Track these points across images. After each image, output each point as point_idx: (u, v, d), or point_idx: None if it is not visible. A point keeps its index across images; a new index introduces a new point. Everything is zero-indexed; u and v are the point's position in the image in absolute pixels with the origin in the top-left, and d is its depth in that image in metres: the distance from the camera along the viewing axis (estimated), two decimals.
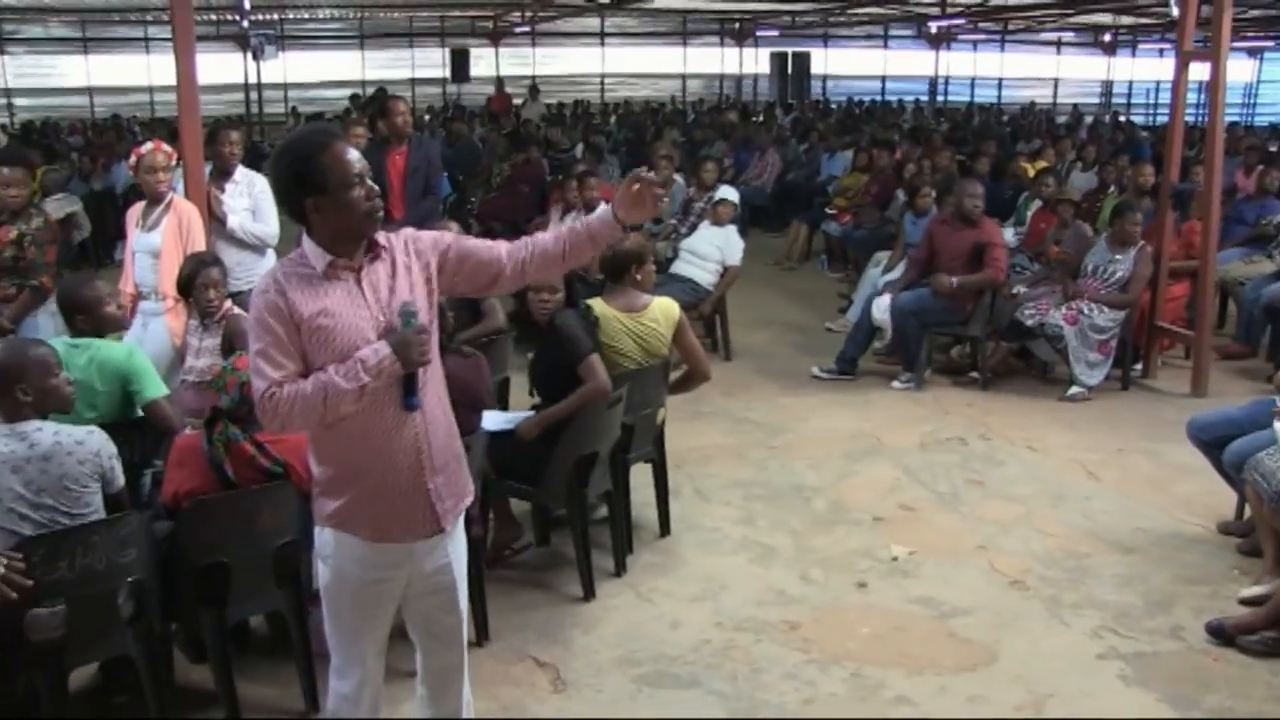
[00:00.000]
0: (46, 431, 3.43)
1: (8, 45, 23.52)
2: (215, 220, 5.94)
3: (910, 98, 26.82)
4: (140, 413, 4.30)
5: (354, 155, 2.69)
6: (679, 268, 8.20)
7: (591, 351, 4.61)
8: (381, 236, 2.76)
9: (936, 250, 7.56)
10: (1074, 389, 7.21)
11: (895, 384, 7.47)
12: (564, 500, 4.66)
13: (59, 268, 5.74)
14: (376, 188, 2.73)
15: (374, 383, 2.62)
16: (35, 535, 3.28)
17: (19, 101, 23.58)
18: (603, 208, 2.90)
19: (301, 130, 2.85)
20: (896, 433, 6.61)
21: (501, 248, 2.88)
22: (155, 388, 4.31)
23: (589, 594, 4.60)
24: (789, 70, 25.27)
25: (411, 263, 2.78)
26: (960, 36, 26.11)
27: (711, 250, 8.14)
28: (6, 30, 23.33)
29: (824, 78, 28.72)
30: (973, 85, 29.76)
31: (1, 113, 22.94)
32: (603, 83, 27.66)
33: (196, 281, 4.88)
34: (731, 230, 8.27)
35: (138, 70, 23.56)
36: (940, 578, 4.79)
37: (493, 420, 4.57)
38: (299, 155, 2.67)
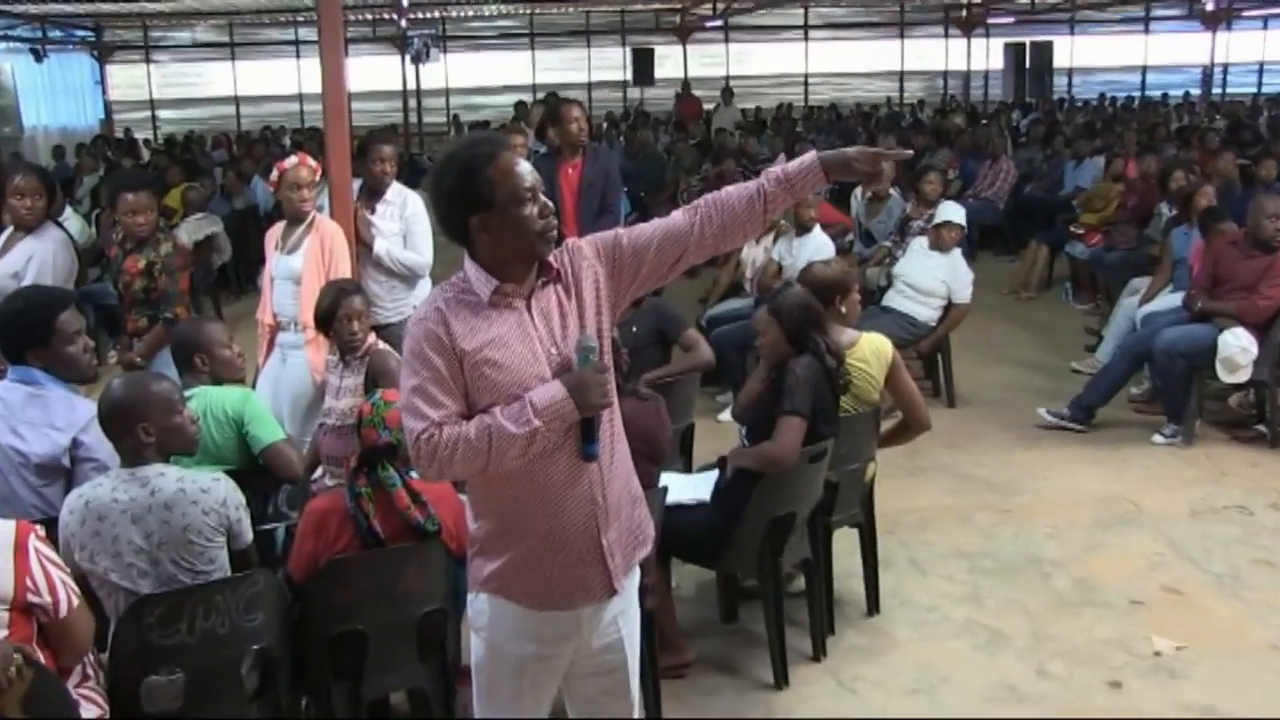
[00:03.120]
0: (170, 477, 3.54)
1: (154, 54, 25.16)
2: (362, 244, 6.16)
3: (1178, 91, 25.97)
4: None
5: (525, 167, 2.72)
6: (893, 300, 8.10)
7: (795, 412, 4.48)
8: (554, 257, 2.78)
9: (1221, 278, 7.26)
10: None
11: (1157, 437, 7.23)
12: (754, 569, 4.62)
13: (197, 294, 6.01)
14: (550, 204, 2.75)
15: (546, 428, 2.63)
16: (150, 594, 3.38)
17: (164, 114, 25.18)
18: (809, 154, 2.85)
19: (465, 139, 2.90)
20: (1159, 497, 6.39)
21: (675, 214, 2.86)
22: (271, 431, 4.47)
23: (781, 681, 4.55)
24: (1027, 64, 24.73)
25: (583, 282, 2.79)
26: (1245, 13, 24.93)
27: (932, 283, 7.99)
28: (153, 38, 24.96)
29: (1069, 71, 28.09)
30: (1261, 72, 28.53)
31: (146, 126, 24.51)
32: (806, 83, 27.71)
33: (338, 313, 5.01)
34: (958, 259, 8.10)
35: (287, 77, 24.83)
36: (1218, 680, 4.56)
37: (678, 488, 4.56)
38: (462, 167, 2.70)
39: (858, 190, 10.83)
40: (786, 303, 4.65)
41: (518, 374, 2.67)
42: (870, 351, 5.00)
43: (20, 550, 3.05)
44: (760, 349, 4.78)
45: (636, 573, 3.00)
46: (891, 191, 10.13)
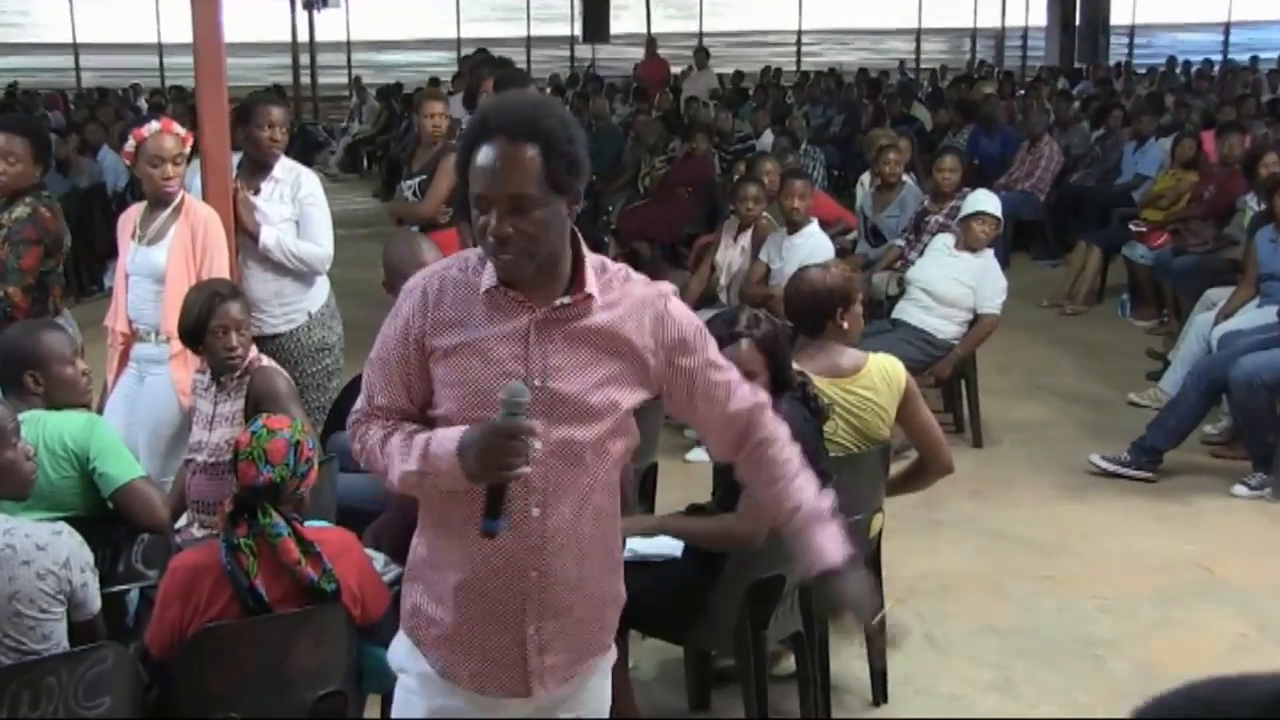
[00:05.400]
0: None
1: None
2: (245, 234, 6.15)
3: (1270, 54, 25.84)
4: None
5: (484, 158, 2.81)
6: (906, 311, 8.15)
7: None
8: (599, 281, 2.86)
9: None
10: None
11: (1239, 489, 7.29)
12: (732, 645, 4.64)
13: (47, 289, 5.89)
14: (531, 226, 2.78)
15: (431, 478, 2.82)
16: None
17: None
18: (831, 541, 3.09)
19: None
20: (1241, 563, 6.45)
21: (741, 409, 3.06)
22: (125, 468, 4.46)
23: None
24: (1076, 20, 25.05)
25: (624, 335, 2.86)
26: None
27: (956, 289, 8.04)
28: None
29: (1130, 29, 28.43)
30: None
31: None
32: (799, 42, 27.88)
33: (210, 322, 4.97)
34: (989, 261, 8.16)
35: (143, 22, 24.62)
36: None
37: (642, 540, 4.58)
38: None
39: (864, 177, 10.93)
40: (773, 332, 4.60)
41: (479, 394, 2.79)
42: (879, 376, 5.02)
43: None
44: None
45: (594, 684, 3.09)
46: (905, 179, 10.21)
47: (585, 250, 2.87)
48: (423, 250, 5.21)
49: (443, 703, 2.98)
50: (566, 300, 2.81)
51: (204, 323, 4.95)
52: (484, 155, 2.74)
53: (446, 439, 2.76)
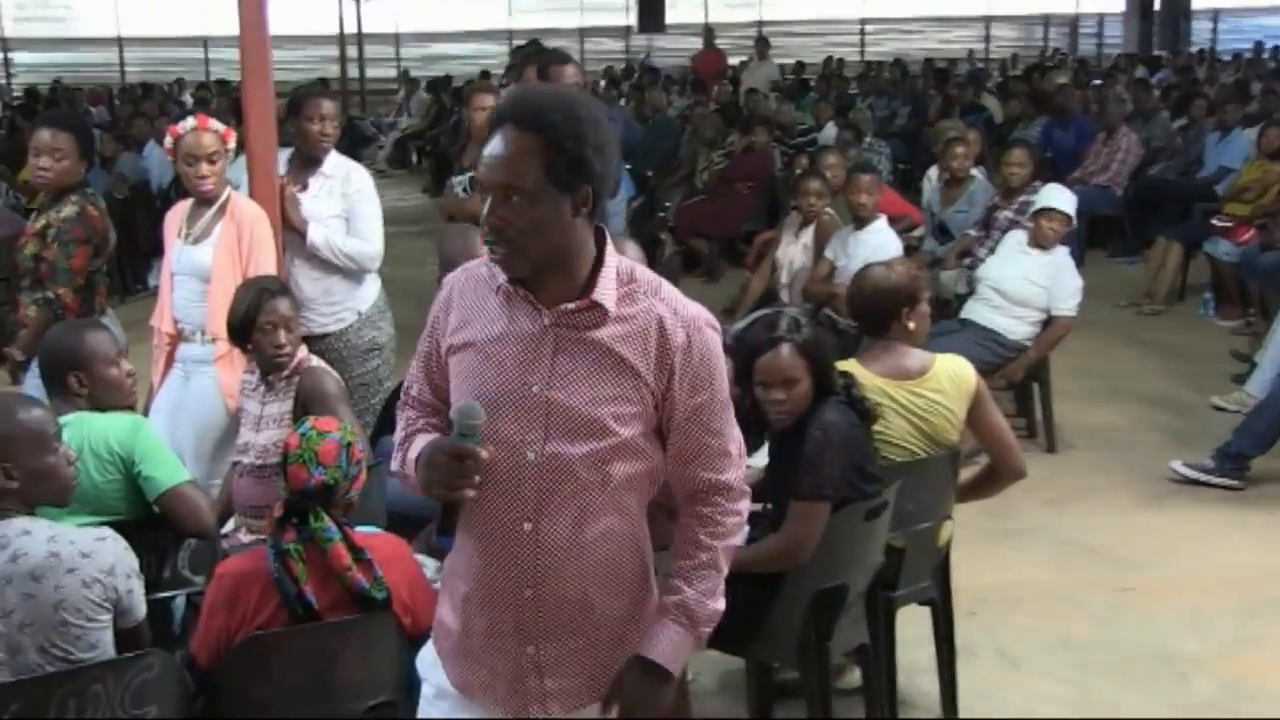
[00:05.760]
0: (38, 536, 3.52)
1: None
2: (291, 231, 6.19)
3: None
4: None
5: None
6: (975, 311, 8.13)
7: (820, 495, 4.44)
8: (620, 291, 2.83)
9: None
10: None
11: None
12: (795, 658, 4.63)
13: (93, 289, 5.97)
14: (506, 214, 2.77)
15: (410, 482, 2.95)
16: (5, 683, 3.36)
17: (20, 57, 25.08)
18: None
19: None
20: None
21: (712, 475, 2.97)
22: (171, 472, 4.48)
23: None
24: (1156, 4, 24.88)
25: (627, 356, 2.82)
26: None
27: (1028, 288, 8.02)
28: None
29: (1214, 13, 28.17)
30: None
31: None
32: (863, 31, 27.80)
33: (258, 319, 5.01)
34: (1062, 259, 8.12)
35: (186, 15, 24.81)
36: None
37: None
38: None
39: (931, 171, 10.90)
40: (815, 335, 4.58)
41: (485, 391, 2.81)
42: (947, 378, 4.99)
43: None
44: (778, 409, 4.53)
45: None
46: (974, 173, 10.16)
47: (611, 256, 2.84)
48: (477, 244, 5.23)
49: (458, 717, 3.02)
50: (572, 306, 2.80)
51: (252, 319, 4.99)
52: (490, 142, 2.76)
53: (421, 446, 2.85)
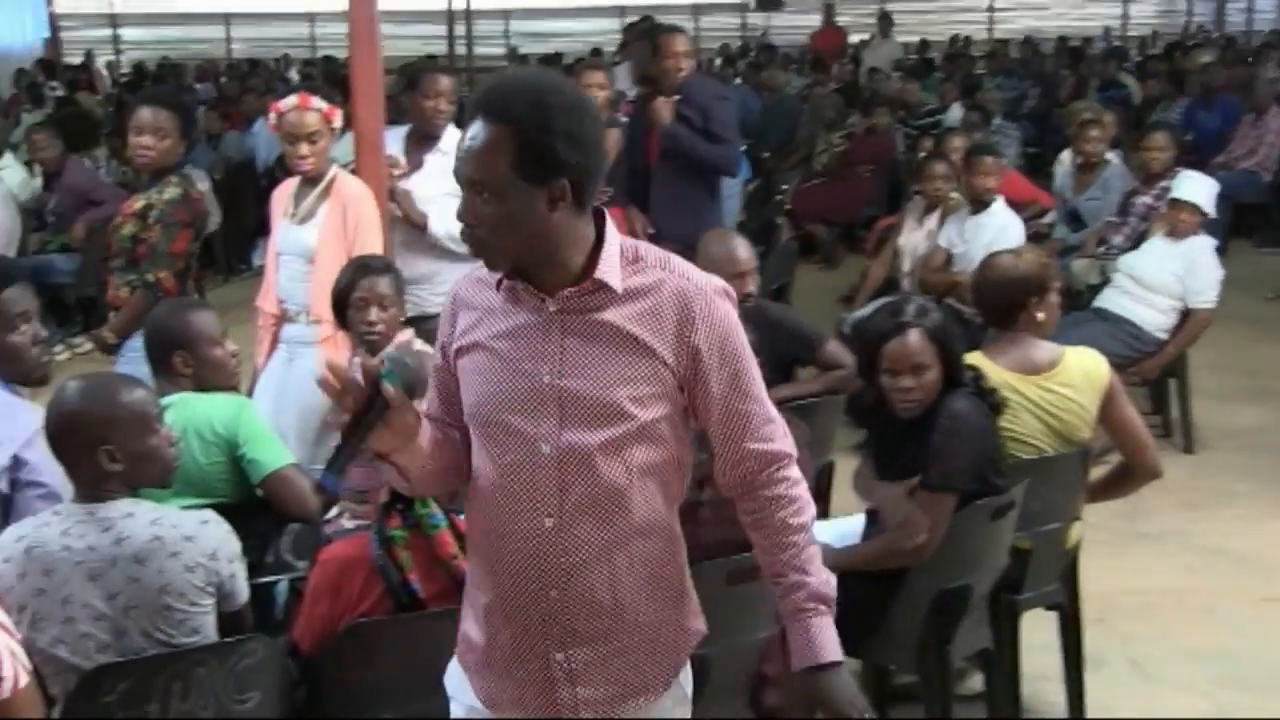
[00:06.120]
0: (140, 519, 3.57)
1: None
2: (407, 221, 6.26)
3: None
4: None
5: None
6: (1111, 300, 8.07)
7: (949, 487, 4.45)
8: (627, 269, 2.81)
9: None
10: None
11: None
12: (914, 661, 4.64)
13: (188, 272, 6.05)
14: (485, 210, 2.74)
15: None
16: (111, 664, 3.42)
17: (129, 33, 25.51)
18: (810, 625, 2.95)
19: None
20: None
21: (765, 444, 2.92)
22: (275, 455, 4.54)
23: None
24: None
25: (642, 333, 2.79)
26: None
27: (1165, 278, 7.94)
28: None
29: None
30: None
31: (107, 48, 24.84)
32: (992, 9, 27.57)
33: (352, 294, 5.07)
34: (1199, 249, 8.01)
35: None
36: None
37: (825, 531, 4.56)
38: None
39: (1063, 155, 10.80)
40: (945, 321, 4.59)
41: (492, 399, 2.82)
42: (1078, 372, 4.95)
43: None
44: (906, 398, 4.52)
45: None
46: (1109, 157, 10.06)
47: (613, 235, 2.81)
48: (738, 246, 5.27)
49: None
50: (575, 290, 2.77)
51: (346, 295, 5.07)
52: (464, 135, 2.76)
53: None
